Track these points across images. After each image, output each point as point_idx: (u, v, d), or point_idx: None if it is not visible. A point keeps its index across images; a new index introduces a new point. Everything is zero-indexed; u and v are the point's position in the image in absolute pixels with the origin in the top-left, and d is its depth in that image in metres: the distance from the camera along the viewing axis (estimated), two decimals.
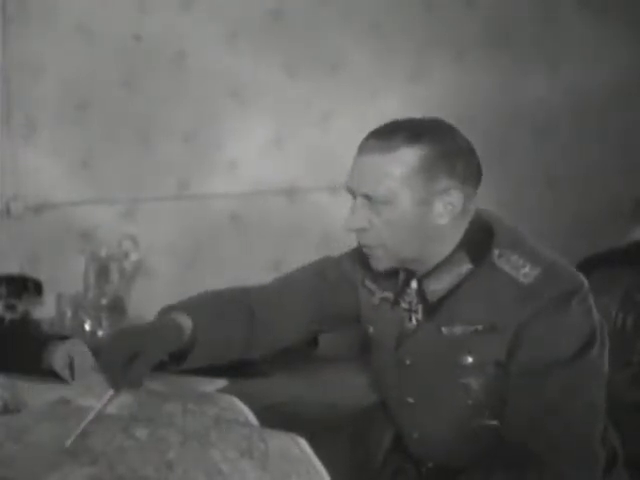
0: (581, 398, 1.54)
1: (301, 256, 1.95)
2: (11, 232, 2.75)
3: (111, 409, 1.46)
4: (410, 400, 1.67)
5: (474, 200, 1.60)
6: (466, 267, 1.57)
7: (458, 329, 1.57)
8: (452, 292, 1.58)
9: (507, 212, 1.74)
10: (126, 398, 1.49)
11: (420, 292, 1.62)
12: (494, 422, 1.59)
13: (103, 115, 2.86)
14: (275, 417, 1.51)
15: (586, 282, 1.55)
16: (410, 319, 1.64)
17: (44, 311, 2.73)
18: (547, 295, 1.51)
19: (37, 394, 1.61)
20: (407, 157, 1.52)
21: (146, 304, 2.41)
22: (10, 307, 2.56)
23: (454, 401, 1.61)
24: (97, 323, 2.65)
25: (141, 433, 1.39)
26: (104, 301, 2.69)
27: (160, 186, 2.99)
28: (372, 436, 1.99)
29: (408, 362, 1.65)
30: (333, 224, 3.03)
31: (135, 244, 2.78)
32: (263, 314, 1.70)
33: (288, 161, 3.18)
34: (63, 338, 1.84)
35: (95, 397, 1.48)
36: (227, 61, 3.03)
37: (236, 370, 1.96)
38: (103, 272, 2.74)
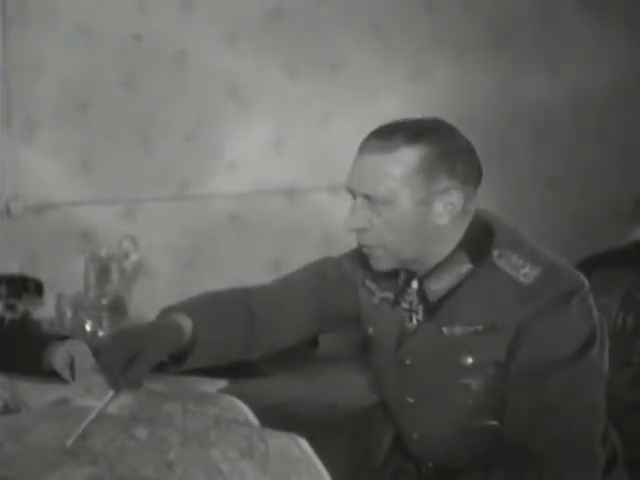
0: (581, 398, 1.54)
1: (301, 256, 1.95)
2: (11, 232, 2.75)
3: (111, 409, 1.46)
4: (410, 400, 1.67)
5: (474, 200, 1.60)
6: (466, 267, 1.57)
7: (458, 329, 1.57)
8: (452, 292, 1.58)
9: (507, 212, 1.74)
10: (126, 398, 1.49)
11: (420, 292, 1.62)
12: (494, 422, 1.59)
13: (103, 115, 2.86)
14: (275, 417, 1.51)
15: (586, 282, 1.55)
16: (410, 319, 1.64)
17: (44, 311, 2.73)
18: (547, 295, 1.51)
19: (37, 394, 1.61)
20: (407, 157, 1.52)
21: (146, 304, 2.41)
22: (10, 307, 2.56)
23: (454, 401, 1.61)
24: (97, 323, 2.65)
25: (141, 433, 1.39)
26: (104, 301, 2.69)
27: (160, 186, 2.99)
28: (372, 436, 1.99)
29: (408, 362, 1.65)
30: (333, 224, 3.03)
31: (135, 244, 2.78)
32: (263, 315, 1.70)
33: (288, 161, 3.18)
34: (63, 338, 1.84)
35: (95, 397, 1.48)
36: (227, 61, 3.03)
37: (236, 370, 1.96)
38: (103, 272, 2.73)
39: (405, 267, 1.63)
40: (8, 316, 2.55)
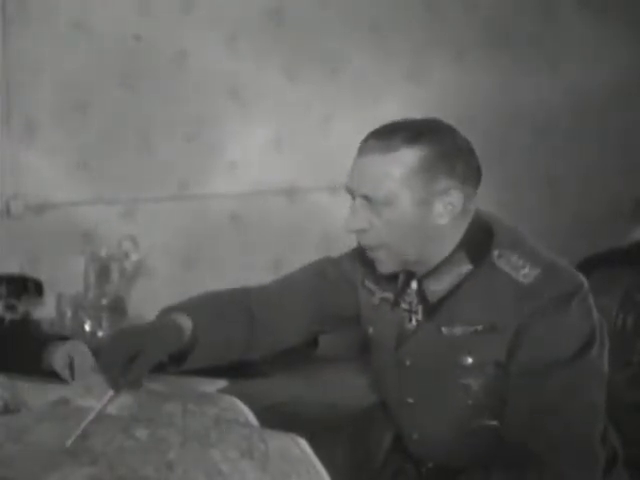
0: (581, 398, 1.54)
1: (301, 256, 1.95)
2: (11, 232, 2.75)
3: (111, 409, 1.46)
4: (410, 400, 1.67)
5: (474, 200, 1.60)
6: (466, 267, 1.57)
7: (458, 329, 1.57)
8: (452, 292, 1.58)
9: (507, 212, 1.74)
10: (126, 398, 1.49)
11: (420, 292, 1.62)
12: (494, 422, 1.59)
13: (103, 115, 2.86)
14: (275, 417, 1.52)
15: (586, 282, 1.55)
16: (410, 319, 1.64)
17: (44, 311, 2.73)
18: (547, 295, 1.51)
19: (37, 394, 1.61)
20: (407, 158, 1.52)
21: (146, 304, 2.41)
22: (10, 307, 2.56)
23: (454, 401, 1.61)
24: (97, 323, 2.65)
25: (141, 433, 1.39)
26: (104, 301, 2.69)
27: (160, 186, 2.99)
28: (372, 436, 1.99)
29: (408, 362, 1.65)
30: (333, 224, 3.03)
31: (135, 244, 2.78)
32: (263, 315, 1.70)
33: (288, 161, 3.18)
34: (63, 338, 1.84)
35: (95, 397, 1.48)
36: (227, 62, 3.03)
37: (236, 370, 1.96)
38: (103, 272, 2.73)
39: (406, 268, 1.63)
40: (8, 316, 2.55)
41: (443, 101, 3.34)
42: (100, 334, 2.62)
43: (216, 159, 3.07)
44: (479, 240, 1.58)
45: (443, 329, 1.58)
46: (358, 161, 1.56)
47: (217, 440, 1.38)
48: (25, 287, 2.64)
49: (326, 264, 1.80)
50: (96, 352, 1.64)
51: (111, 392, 1.46)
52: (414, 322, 1.64)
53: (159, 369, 1.56)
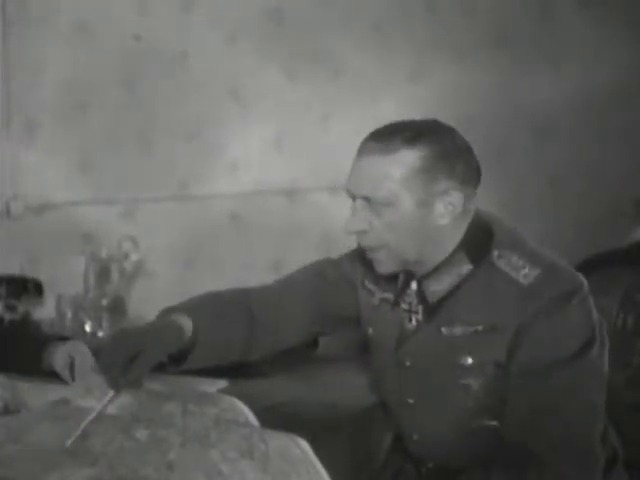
0: (581, 398, 1.54)
1: (301, 256, 1.95)
2: (11, 232, 2.74)
3: (111, 410, 1.46)
4: (410, 401, 1.67)
5: (474, 200, 1.60)
6: (466, 268, 1.57)
7: (458, 330, 1.57)
8: (452, 293, 1.58)
9: (507, 212, 1.74)
10: (126, 399, 1.49)
11: (420, 293, 1.62)
12: (494, 422, 1.59)
13: (103, 115, 2.86)
14: (275, 418, 1.51)
15: (586, 282, 1.55)
16: (410, 320, 1.64)
17: (44, 312, 2.73)
18: (547, 295, 1.51)
19: (37, 394, 1.61)
20: (407, 159, 1.52)
21: (146, 304, 2.41)
22: (10, 308, 2.56)
23: (454, 402, 1.61)
24: (97, 324, 2.65)
25: (141, 434, 1.39)
26: (104, 302, 2.69)
27: (160, 186, 2.99)
28: (372, 436, 1.99)
29: (408, 363, 1.65)
30: (333, 224, 3.02)
31: (135, 244, 2.78)
32: (263, 316, 1.70)
33: (288, 161, 3.18)
34: (63, 339, 1.84)
35: (95, 398, 1.48)
36: (227, 62, 3.03)
37: (236, 371, 1.96)
38: (103, 273, 2.73)
39: (406, 268, 1.63)
40: (8, 317, 2.54)
41: (443, 101, 3.34)
42: (100, 334, 2.62)
43: (216, 159, 3.07)
44: (479, 240, 1.58)
45: (443, 329, 1.58)
46: (358, 162, 1.56)
47: (217, 440, 1.38)
48: (25, 287, 2.64)
49: (326, 265, 1.80)
50: (96, 352, 1.64)
51: (111, 392, 1.46)
52: (414, 322, 1.64)
53: (159, 369, 1.56)
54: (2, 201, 2.73)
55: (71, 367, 1.70)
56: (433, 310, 1.60)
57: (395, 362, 1.67)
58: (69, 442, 1.36)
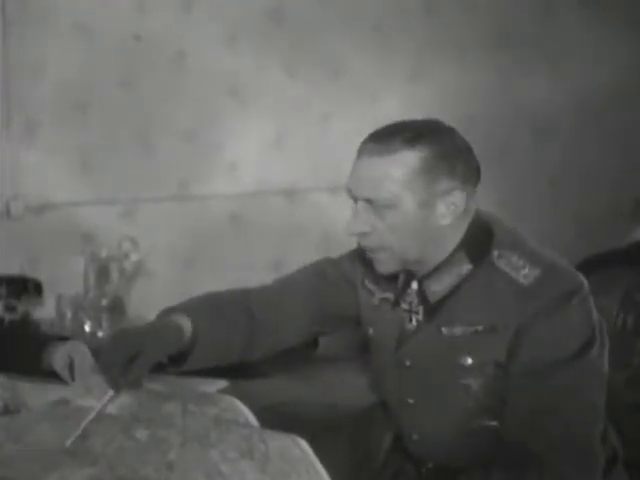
0: (581, 398, 1.54)
1: (301, 256, 1.95)
2: (11, 232, 2.75)
3: (111, 410, 1.46)
4: (410, 401, 1.67)
5: (474, 200, 1.60)
6: (466, 268, 1.57)
7: (458, 330, 1.57)
8: (452, 293, 1.58)
9: (507, 212, 1.74)
10: (126, 399, 1.49)
11: (421, 293, 1.62)
12: (494, 422, 1.59)
13: (103, 115, 2.86)
14: (275, 418, 1.51)
15: (586, 282, 1.55)
16: (410, 320, 1.64)
17: (44, 312, 2.73)
18: (547, 295, 1.51)
19: (37, 394, 1.61)
20: (407, 159, 1.51)
21: (146, 305, 2.42)
22: (10, 308, 2.56)
23: (454, 402, 1.61)
24: (97, 324, 2.65)
25: (141, 434, 1.39)
26: (104, 302, 2.69)
27: (160, 186, 2.99)
28: (372, 436, 1.99)
29: (408, 363, 1.64)
30: (333, 224, 3.03)
31: (135, 245, 2.78)
32: (263, 316, 1.70)
33: (288, 161, 3.18)
34: (63, 339, 1.84)
35: (95, 398, 1.48)
36: (227, 61, 3.03)
37: (236, 371, 1.96)
38: (103, 273, 2.73)
39: (406, 268, 1.63)
40: (8, 317, 2.55)
41: (443, 101, 3.34)
42: (100, 334, 2.62)
43: (216, 159, 3.07)
44: (479, 240, 1.58)
45: (443, 329, 1.58)
46: (358, 164, 1.56)
47: (217, 440, 1.38)
48: (25, 287, 2.64)
49: (326, 265, 1.80)
50: (96, 352, 1.64)
51: (111, 392, 1.46)
52: (414, 322, 1.63)
53: (159, 370, 1.56)
54: (2, 201, 2.73)
55: (71, 367, 1.70)
56: (433, 310, 1.60)
57: (395, 362, 1.66)
58: (69, 442, 1.36)
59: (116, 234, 2.80)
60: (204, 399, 1.58)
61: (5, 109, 2.70)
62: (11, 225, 2.74)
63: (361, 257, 1.69)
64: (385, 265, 1.60)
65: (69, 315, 2.68)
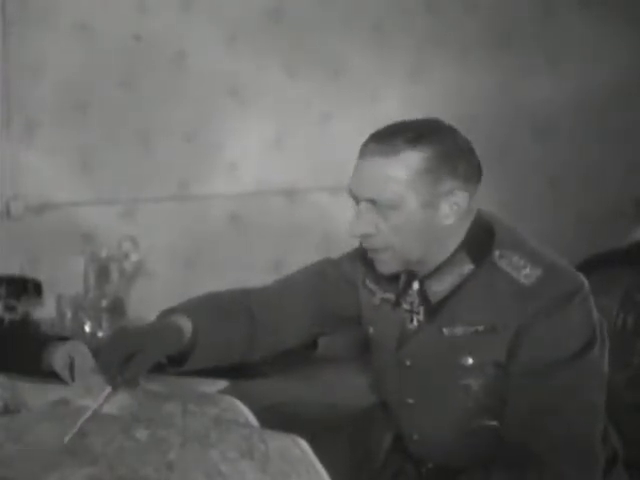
0: (582, 398, 1.54)
1: (301, 256, 1.95)
2: (11, 232, 2.75)
3: (112, 410, 1.46)
4: (410, 401, 1.67)
5: (476, 199, 1.59)
6: (467, 267, 1.57)
7: (459, 330, 1.57)
8: (453, 293, 1.58)
9: (507, 212, 1.74)
10: (126, 399, 1.49)
11: (422, 293, 1.62)
12: (494, 423, 1.59)
13: (103, 115, 2.86)
14: (275, 418, 1.51)
15: (587, 283, 1.55)
16: (411, 320, 1.64)
17: (44, 312, 2.73)
18: (548, 296, 1.51)
19: (37, 395, 1.61)
20: (410, 160, 1.51)
21: (146, 305, 2.42)
22: (10, 308, 2.56)
23: (454, 402, 1.60)
24: (97, 324, 2.65)
25: (141, 434, 1.39)
26: (104, 302, 2.69)
27: (160, 186, 2.99)
28: (372, 436, 1.99)
29: (408, 363, 1.64)
30: (333, 224, 3.03)
31: (135, 245, 2.78)
32: (263, 316, 1.70)
33: (288, 161, 3.18)
34: (63, 339, 1.84)
35: (95, 398, 1.48)
36: (227, 61, 3.03)
37: (236, 371, 1.96)
38: (103, 273, 2.73)
39: (408, 268, 1.63)
40: (8, 317, 2.55)
41: (444, 101, 3.34)
42: (100, 335, 2.62)
43: (216, 159, 3.07)
44: (480, 240, 1.58)
45: (444, 330, 1.58)
46: (360, 165, 1.55)
47: (217, 440, 1.38)
48: (25, 288, 2.64)
49: (326, 265, 1.80)
50: (96, 353, 1.64)
51: (109, 389, 1.46)
52: (415, 323, 1.63)
53: (159, 370, 1.56)
54: (2, 201, 2.73)
55: (71, 367, 1.70)
56: (434, 310, 1.60)
57: (395, 362, 1.66)
58: (67, 439, 1.36)
59: (116, 234, 2.81)
60: (204, 399, 1.58)
61: (5, 109, 2.70)
62: (11, 225, 2.74)
63: (362, 257, 1.69)
64: (387, 265, 1.60)
65: (69, 315, 2.68)
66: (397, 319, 1.66)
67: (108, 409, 1.46)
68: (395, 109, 3.16)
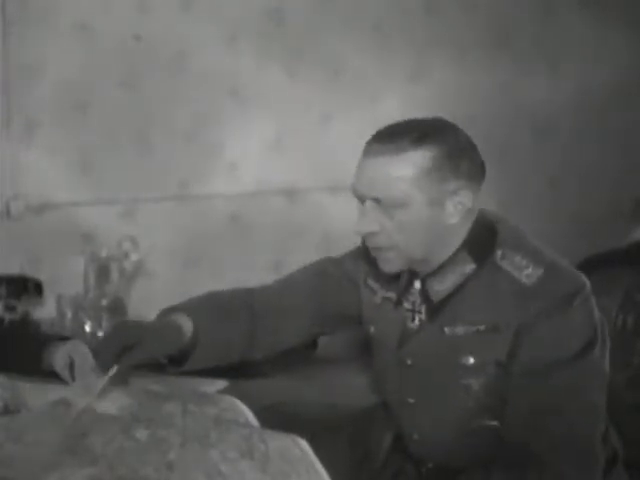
0: (583, 398, 1.54)
1: (301, 256, 1.95)
2: (11, 232, 2.74)
3: (112, 410, 1.46)
4: (411, 400, 1.67)
5: (479, 198, 1.60)
6: (469, 267, 1.57)
7: (460, 329, 1.57)
8: (455, 292, 1.58)
9: (507, 212, 1.74)
10: (126, 399, 1.49)
11: (424, 292, 1.62)
12: (494, 422, 1.59)
13: (103, 115, 2.85)
14: (275, 417, 1.51)
15: (588, 283, 1.55)
16: (413, 319, 1.64)
17: (44, 312, 2.73)
18: (549, 296, 1.51)
19: (37, 394, 1.61)
20: (416, 159, 1.51)
21: (146, 305, 2.41)
22: (10, 308, 2.56)
23: (455, 402, 1.61)
24: (97, 324, 2.65)
25: (141, 434, 1.39)
26: (104, 302, 2.68)
27: (160, 186, 2.98)
28: (372, 436, 1.99)
29: (409, 362, 1.64)
30: (333, 224, 3.03)
31: (135, 245, 2.78)
32: (264, 316, 1.70)
33: (288, 161, 3.18)
34: (63, 339, 1.84)
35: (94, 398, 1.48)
36: (227, 61, 3.03)
37: (236, 371, 1.96)
38: (103, 273, 2.73)
39: (410, 267, 1.63)
40: (8, 317, 2.54)
41: (444, 101, 3.33)
42: (100, 334, 2.62)
43: (216, 159, 3.07)
44: (482, 239, 1.58)
45: (446, 329, 1.58)
46: (365, 164, 1.55)
47: (217, 440, 1.38)
48: (25, 287, 2.64)
49: (327, 264, 1.80)
50: (96, 352, 1.64)
51: (105, 377, 1.46)
52: (417, 322, 1.63)
53: (159, 370, 1.56)
54: (2, 201, 2.73)
55: (71, 367, 1.70)
56: (436, 310, 1.60)
57: (396, 361, 1.66)
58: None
59: (116, 234, 2.80)
60: (204, 399, 1.58)
61: (5, 109, 2.70)
62: (11, 225, 2.74)
63: (364, 255, 1.69)
64: (390, 264, 1.60)
65: (69, 315, 2.68)
66: (398, 318, 1.66)
67: (108, 409, 1.46)
68: (395, 109, 3.15)
